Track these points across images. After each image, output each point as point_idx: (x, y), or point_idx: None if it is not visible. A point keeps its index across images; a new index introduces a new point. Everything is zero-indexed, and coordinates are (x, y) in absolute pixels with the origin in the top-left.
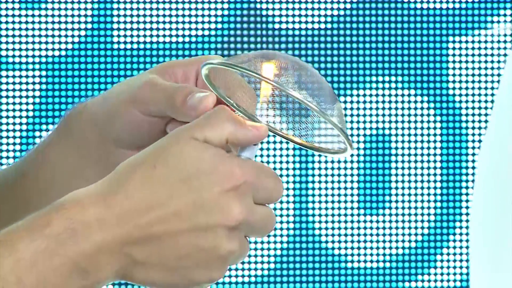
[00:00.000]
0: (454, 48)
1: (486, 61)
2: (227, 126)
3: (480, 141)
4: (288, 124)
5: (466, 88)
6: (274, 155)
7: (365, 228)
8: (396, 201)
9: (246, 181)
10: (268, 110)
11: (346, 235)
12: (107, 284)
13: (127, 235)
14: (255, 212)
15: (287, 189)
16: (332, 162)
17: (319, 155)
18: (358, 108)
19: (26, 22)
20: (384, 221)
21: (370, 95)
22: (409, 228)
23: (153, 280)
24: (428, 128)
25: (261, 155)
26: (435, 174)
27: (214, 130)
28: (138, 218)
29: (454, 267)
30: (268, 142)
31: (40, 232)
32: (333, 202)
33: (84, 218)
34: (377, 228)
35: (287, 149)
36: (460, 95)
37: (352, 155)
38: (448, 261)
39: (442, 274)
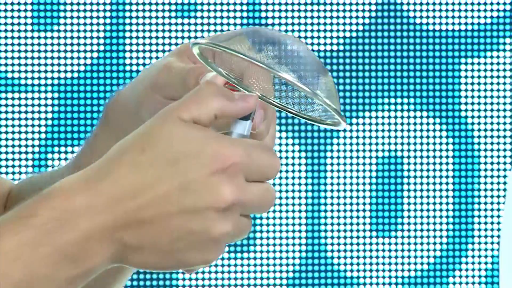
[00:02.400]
0: (466, 70)
1: (498, 83)
2: (213, 101)
3: (492, 163)
4: (286, 96)
5: (479, 110)
6: (287, 177)
7: (377, 250)
8: (409, 223)
9: (236, 161)
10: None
11: (358, 257)
12: (102, 270)
13: (116, 221)
14: (248, 191)
15: (300, 211)
16: (345, 184)
17: (332, 166)
18: (370, 130)
19: (39, 44)
20: (396, 243)
21: (382, 117)
22: (422, 250)
23: (147, 263)
24: (441, 150)
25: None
26: (447, 197)
27: (201, 108)
28: (127, 203)
29: None
30: (281, 164)
31: (25, 224)
32: (345, 224)
33: (71, 206)
34: (389, 250)
35: (300, 171)
36: (473, 117)
37: (364, 177)
38: (460, 284)
39: None
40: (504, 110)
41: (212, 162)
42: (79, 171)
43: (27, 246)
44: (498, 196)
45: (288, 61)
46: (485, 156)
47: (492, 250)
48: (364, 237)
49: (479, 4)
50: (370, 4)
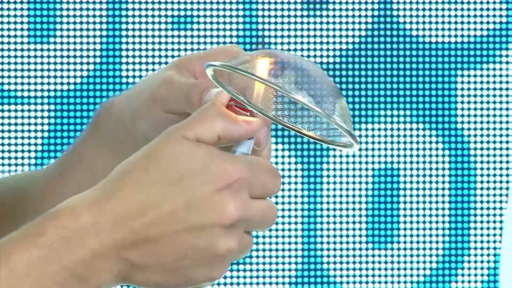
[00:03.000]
0: (462, 82)
1: (494, 95)
2: (217, 123)
3: (488, 175)
4: (297, 116)
5: (475, 122)
6: (283, 189)
7: (373, 262)
8: (405, 236)
9: (240, 178)
10: (277, 104)
11: (354, 269)
12: (109, 287)
13: (123, 240)
14: (251, 208)
15: (296, 223)
16: (341, 196)
17: (327, 183)
18: (366, 142)
19: (35, 56)
20: (392, 256)
21: (379, 129)
22: (418, 262)
23: (153, 282)
24: (437, 162)
25: None
26: (443, 209)
27: (205, 128)
28: (133, 222)
29: None
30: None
31: (34, 242)
32: (341, 236)
33: (78, 225)
34: (386, 262)
35: (296, 183)
36: (469, 129)
37: (360, 189)
38: None
39: None
40: (500, 122)
41: (217, 179)
42: (88, 189)
43: (36, 264)
44: (495, 208)
45: (304, 84)
46: (481, 168)
47: (489, 262)
48: (360, 249)
49: (475, 16)
50: (366, 16)
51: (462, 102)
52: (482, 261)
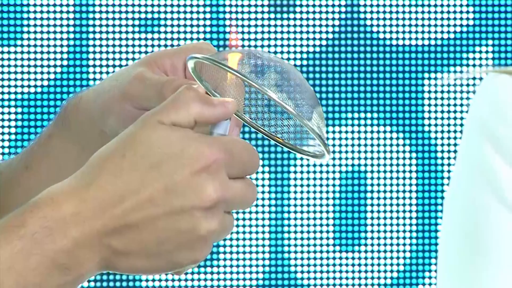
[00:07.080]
0: (429, 85)
1: (462, 98)
2: (192, 106)
3: None
4: (271, 121)
5: (442, 125)
6: None
7: (340, 265)
8: (372, 238)
9: (217, 159)
10: (251, 113)
11: (322, 271)
12: (92, 276)
13: (103, 227)
14: (231, 188)
15: (263, 225)
16: (308, 199)
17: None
18: (334, 145)
19: (2, 59)
20: (359, 258)
21: (346, 132)
22: (385, 265)
23: (137, 268)
24: (404, 165)
25: None
26: (410, 211)
27: (180, 112)
28: (113, 209)
29: None
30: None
31: (15, 234)
32: (308, 239)
33: (59, 214)
34: (353, 265)
35: (263, 185)
36: (436, 131)
37: (328, 192)
38: None
39: None
40: None
41: (194, 161)
42: (66, 179)
43: (19, 255)
44: None
45: (285, 87)
46: (449, 171)
47: None
48: (328, 251)
49: (442, 19)
50: (333, 19)
51: (429, 105)
52: None
